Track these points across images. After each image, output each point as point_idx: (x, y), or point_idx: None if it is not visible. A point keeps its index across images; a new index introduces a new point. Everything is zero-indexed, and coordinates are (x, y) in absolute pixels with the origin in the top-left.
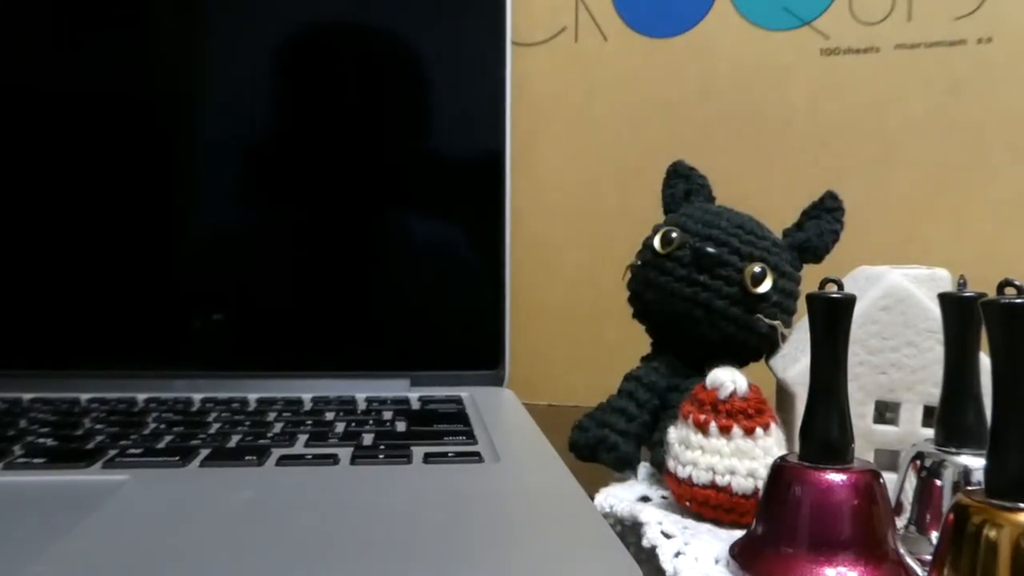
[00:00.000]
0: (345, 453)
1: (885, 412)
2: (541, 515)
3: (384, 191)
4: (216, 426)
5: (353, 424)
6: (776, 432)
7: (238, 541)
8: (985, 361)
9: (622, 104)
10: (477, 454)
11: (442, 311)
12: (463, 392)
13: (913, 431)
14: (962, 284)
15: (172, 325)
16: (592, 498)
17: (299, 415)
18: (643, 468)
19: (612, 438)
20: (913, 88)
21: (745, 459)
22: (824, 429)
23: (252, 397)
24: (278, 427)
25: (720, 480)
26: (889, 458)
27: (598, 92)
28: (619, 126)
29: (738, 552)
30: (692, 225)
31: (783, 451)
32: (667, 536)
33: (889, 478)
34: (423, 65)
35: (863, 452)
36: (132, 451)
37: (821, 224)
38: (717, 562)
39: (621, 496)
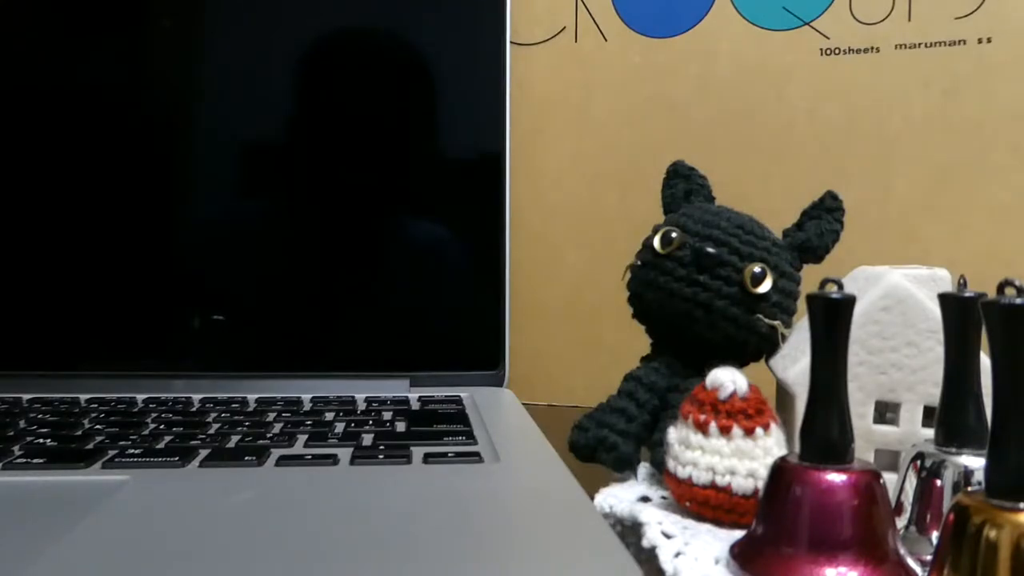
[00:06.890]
0: (345, 453)
1: (885, 412)
2: (541, 515)
3: (384, 191)
4: (216, 426)
5: (353, 424)
6: (776, 432)
7: (238, 541)
8: (985, 361)
9: (622, 104)
10: (477, 454)
11: (442, 311)
12: (463, 392)
13: (913, 431)
14: (962, 284)
15: (172, 325)
16: (592, 498)
17: (299, 415)
18: (643, 468)
19: (612, 438)
20: (913, 88)
21: (745, 459)
22: (824, 429)
23: (252, 397)
24: (277, 427)
25: (720, 480)
26: (889, 458)
27: (598, 92)
28: (619, 126)
29: (738, 552)
30: (692, 225)
31: (783, 451)
32: (667, 536)
33: (889, 478)
34: (423, 65)
35: (863, 452)
36: (132, 451)
37: (821, 224)
38: (717, 562)
39: (621, 496)
